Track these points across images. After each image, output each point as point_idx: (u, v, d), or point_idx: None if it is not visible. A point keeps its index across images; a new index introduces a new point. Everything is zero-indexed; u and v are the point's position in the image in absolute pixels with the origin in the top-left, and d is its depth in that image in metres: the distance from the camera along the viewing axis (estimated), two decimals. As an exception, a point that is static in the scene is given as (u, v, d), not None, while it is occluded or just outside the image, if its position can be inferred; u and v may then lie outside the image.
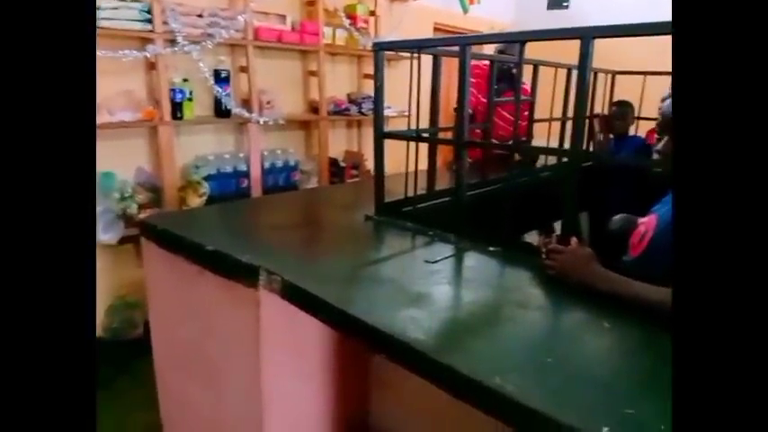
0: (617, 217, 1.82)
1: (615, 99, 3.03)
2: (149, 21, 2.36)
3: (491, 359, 0.88)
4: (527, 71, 2.37)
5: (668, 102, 1.20)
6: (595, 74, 2.74)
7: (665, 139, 1.18)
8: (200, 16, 2.53)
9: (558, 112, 2.54)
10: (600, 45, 1.13)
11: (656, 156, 1.21)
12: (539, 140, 2.55)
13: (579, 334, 0.99)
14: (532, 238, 2.52)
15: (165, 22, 2.39)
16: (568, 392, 0.79)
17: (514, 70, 2.77)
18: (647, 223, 1.34)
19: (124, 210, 2.41)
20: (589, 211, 2.90)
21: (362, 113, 3.40)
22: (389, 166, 1.77)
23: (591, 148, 2.87)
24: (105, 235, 2.36)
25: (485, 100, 2.52)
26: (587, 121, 2.70)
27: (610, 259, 1.16)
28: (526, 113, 2.44)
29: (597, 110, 2.89)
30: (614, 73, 3.03)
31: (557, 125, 2.58)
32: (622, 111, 2.89)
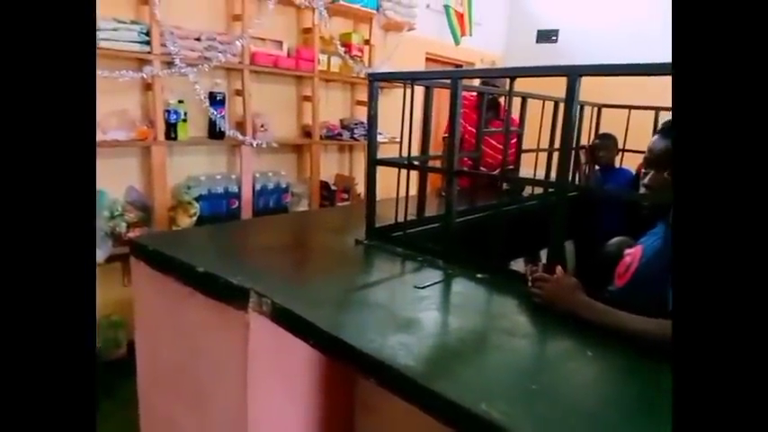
0: (614, 240, 1.85)
1: (601, 131, 3.11)
2: (147, 43, 2.40)
3: (478, 386, 0.89)
4: (515, 102, 2.45)
5: (656, 137, 1.25)
6: (581, 107, 2.82)
7: (652, 173, 1.23)
8: (197, 40, 2.58)
9: (544, 143, 2.61)
10: (586, 79, 1.18)
11: (643, 189, 1.25)
12: (526, 169, 2.60)
13: (564, 362, 1.01)
14: (519, 265, 2.55)
15: (163, 45, 2.43)
16: (554, 420, 0.80)
17: (500, 99, 2.84)
18: (633, 254, 1.38)
19: (113, 228, 2.40)
20: (575, 240, 2.94)
21: (354, 138, 3.45)
22: (380, 192, 1.80)
23: (577, 179, 2.93)
24: (93, 253, 2.35)
25: (471, 128, 2.58)
26: (573, 152, 2.77)
27: (596, 287, 1.19)
28: (514, 141, 2.50)
29: (583, 142, 2.96)
30: (600, 106, 3.12)
31: (544, 155, 2.64)
32: (605, 143, 2.97)
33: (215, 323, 1.32)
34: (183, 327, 1.44)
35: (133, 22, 2.37)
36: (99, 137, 2.29)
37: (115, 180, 2.53)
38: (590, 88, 1.38)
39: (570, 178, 2.74)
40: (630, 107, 2.99)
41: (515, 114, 2.47)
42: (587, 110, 2.97)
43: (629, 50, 2.65)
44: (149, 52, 2.41)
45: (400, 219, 1.75)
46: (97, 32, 2.22)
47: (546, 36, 5.08)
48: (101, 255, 2.36)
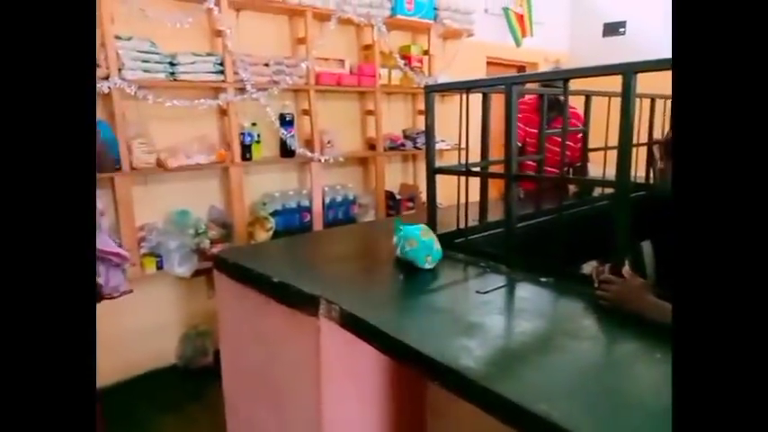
0: None
1: (677, 124, 2.94)
2: (222, 72, 2.60)
3: (539, 387, 0.90)
4: (579, 100, 2.39)
5: None
6: (653, 99, 2.70)
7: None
8: (266, 65, 2.76)
9: (614, 140, 2.52)
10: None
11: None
12: (596, 167, 2.53)
13: (630, 364, 1.00)
14: (591, 268, 2.47)
15: (235, 72, 2.63)
16: (616, 421, 0.80)
17: (563, 97, 2.78)
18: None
19: (198, 245, 2.61)
20: (652, 240, 2.80)
21: (417, 148, 3.51)
22: (443, 198, 1.84)
23: (652, 176, 2.80)
24: (180, 268, 2.56)
25: (532, 130, 2.56)
26: (647, 148, 2.65)
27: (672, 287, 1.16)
28: (579, 137, 2.45)
29: (657, 136, 2.82)
30: (674, 98, 2.96)
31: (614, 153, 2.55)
32: None
33: (290, 329, 1.41)
34: (262, 333, 1.56)
35: (209, 54, 2.58)
36: (183, 161, 2.51)
37: (198, 200, 2.75)
38: (666, 79, 1.33)
39: (646, 175, 2.65)
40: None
41: (579, 111, 2.41)
42: (659, 103, 2.83)
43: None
44: (224, 80, 2.61)
45: (462, 225, 1.77)
46: (178, 66, 2.45)
47: (613, 29, 4.88)
48: (187, 270, 2.58)
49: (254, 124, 2.80)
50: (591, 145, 2.43)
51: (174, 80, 2.46)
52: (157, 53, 2.40)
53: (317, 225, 3.06)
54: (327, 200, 3.13)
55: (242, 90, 2.67)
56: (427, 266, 1.52)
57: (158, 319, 2.72)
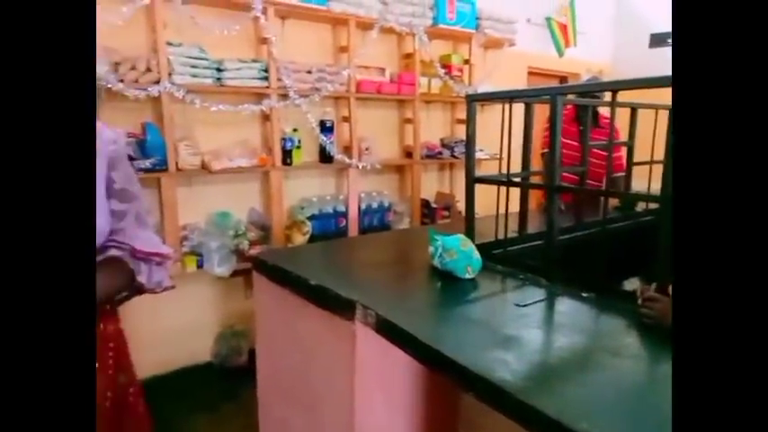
0: None
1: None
2: (266, 78, 2.67)
3: (579, 403, 0.88)
4: (623, 113, 2.33)
5: None
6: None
7: None
8: (309, 72, 2.81)
9: (659, 154, 2.44)
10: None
11: None
12: (640, 181, 2.46)
13: (676, 385, 0.96)
14: (635, 284, 2.40)
15: (279, 79, 2.69)
16: (660, 442, 0.78)
17: (599, 108, 2.72)
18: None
19: (237, 245, 2.67)
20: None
21: (454, 156, 3.50)
22: (481, 209, 1.82)
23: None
24: (219, 268, 2.63)
25: (568, 141, 2.51)
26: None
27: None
28: (620, 154, 2.39)
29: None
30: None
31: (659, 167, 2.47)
32: None
33: (326, 332, 1.43)
34: (298, 335, 1.58)
35: (254, 61, 2.66)
36: (226, 164, 2.58)
37: (239, 202, 2.82)
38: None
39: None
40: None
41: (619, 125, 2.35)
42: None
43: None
44: (267, 87, 2.67)
45: (501, 236, 1.75)
46: (224, 72, 2.53)
47: (661, 40, 4.74)
48: (226, 270, 2.64)
49: (295, 130, 2.86)
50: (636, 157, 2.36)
51: (221, 85, 2.54)
52: (205, 59, 2.49)
53: (353, 231, 3.09)
54: (363, 206, 3.15)
55: (285, 96, 2.73)
56: (468, 276, 1.50)
57: (196, 316, 2.80)
